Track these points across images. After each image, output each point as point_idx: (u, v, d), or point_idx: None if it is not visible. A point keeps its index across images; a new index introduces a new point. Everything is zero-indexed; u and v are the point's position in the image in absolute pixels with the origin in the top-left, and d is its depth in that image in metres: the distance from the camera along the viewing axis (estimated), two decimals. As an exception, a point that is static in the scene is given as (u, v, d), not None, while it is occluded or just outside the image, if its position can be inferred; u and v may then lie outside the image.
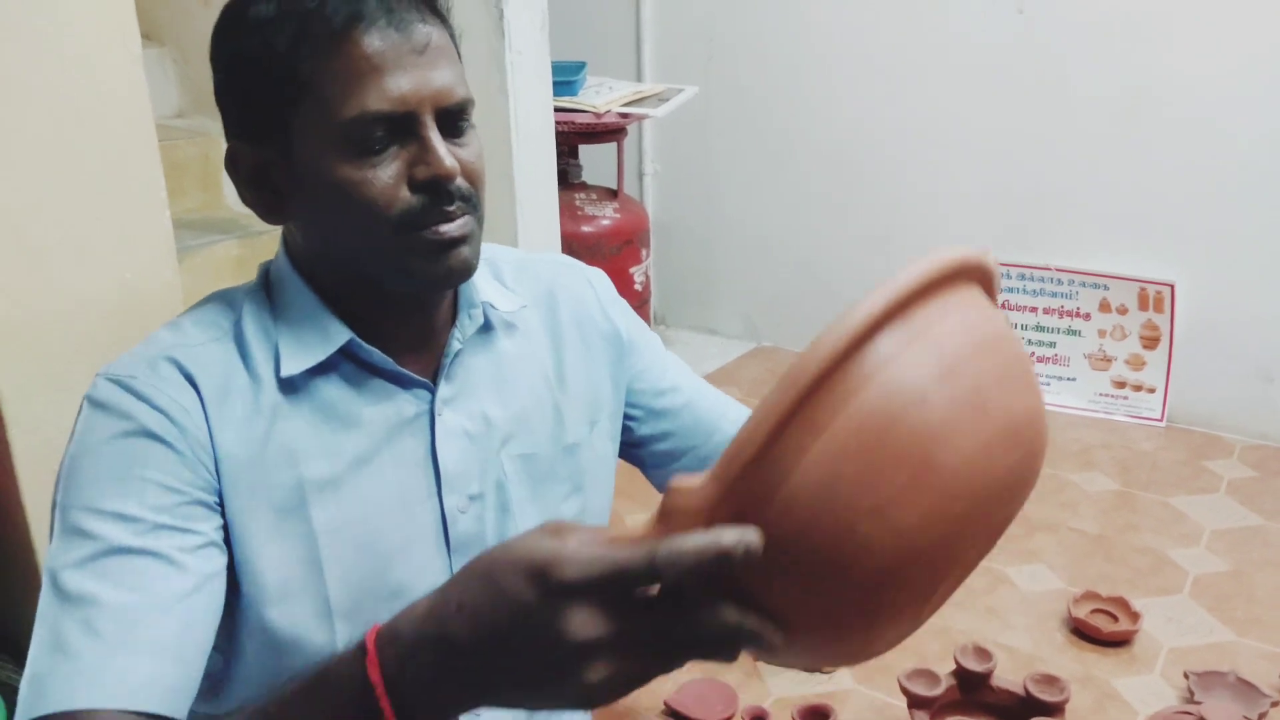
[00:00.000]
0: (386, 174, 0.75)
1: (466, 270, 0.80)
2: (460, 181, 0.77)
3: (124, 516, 0.71)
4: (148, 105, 1.19)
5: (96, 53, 1.12)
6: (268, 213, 0.81)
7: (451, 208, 0.77)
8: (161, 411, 0.74)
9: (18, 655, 1.23)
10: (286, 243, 0.85)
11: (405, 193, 0.76)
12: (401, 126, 0.75)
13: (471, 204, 0.79)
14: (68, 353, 1.12)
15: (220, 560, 0.76)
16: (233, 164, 0.81)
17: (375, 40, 0.73)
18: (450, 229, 0.77)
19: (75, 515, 0.72)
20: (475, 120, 0.82)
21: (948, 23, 2.69)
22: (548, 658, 0.49)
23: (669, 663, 0.51)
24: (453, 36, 0.81)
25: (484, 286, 0.89)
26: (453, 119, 0.78)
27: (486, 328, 0.89)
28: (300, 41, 0.74)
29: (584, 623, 0.48)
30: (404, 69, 0.74)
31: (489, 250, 0.95)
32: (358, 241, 0.78)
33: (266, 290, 0.85)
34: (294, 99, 0.75)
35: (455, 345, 0.86)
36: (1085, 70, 2.54)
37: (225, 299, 0.85)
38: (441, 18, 0.80)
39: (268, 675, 0.79)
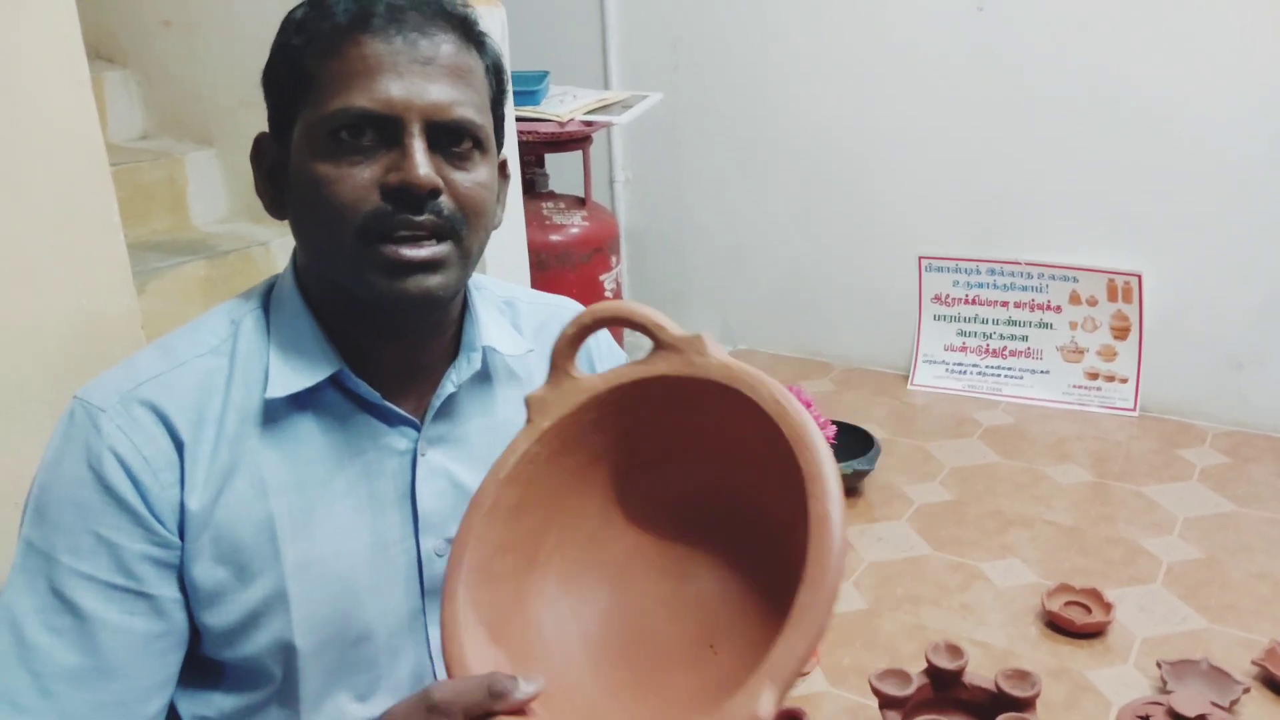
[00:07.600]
0: (361, 175, 0.73)
1: (428, 299, 0.76)
2: (444, 200, 0.75)
3: (79, 574, 0.72)
4: (98, 131, 1.19)
5: (43, 81, 1.11)
6: (271, 205, 0.81)
7: (420, 219, 0.73)
8: (122, 464, 0.73)
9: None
10: (295, 255, 0.84)
11: (375, 196, 0.73)
12: (389, 132, 0.74)
13: (452, 228, 0.76)
14: (23, 383, 1.12)
15: (175, 618, 0.76)
16: (256, 154, 0.82)
17: (378, 44, 0.73)
18: (413, 253, 0.74)
19: (35, 559, 0.73)
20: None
21: (910, 24, 2.71)
22: None
23: None
24: (487, 65, 0.80)
25: (491, 328, 0.86)
26: (451, 138, 0.76)
27: (486, 374, 0.87)
28: (312, 39, 0.74)
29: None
30: (399, 74, 0.73)
31: (511, 291, 0.93)
32: (324, 243, 0.77)
33: (268, 304, 0.83)
34: (298, 95, 0.76)
35: (449, 387, 0.84)
36: (1047, 66, 2.56)
37: (229, 311, 0.83)
38: (471, 42, 0.78)
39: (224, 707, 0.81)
